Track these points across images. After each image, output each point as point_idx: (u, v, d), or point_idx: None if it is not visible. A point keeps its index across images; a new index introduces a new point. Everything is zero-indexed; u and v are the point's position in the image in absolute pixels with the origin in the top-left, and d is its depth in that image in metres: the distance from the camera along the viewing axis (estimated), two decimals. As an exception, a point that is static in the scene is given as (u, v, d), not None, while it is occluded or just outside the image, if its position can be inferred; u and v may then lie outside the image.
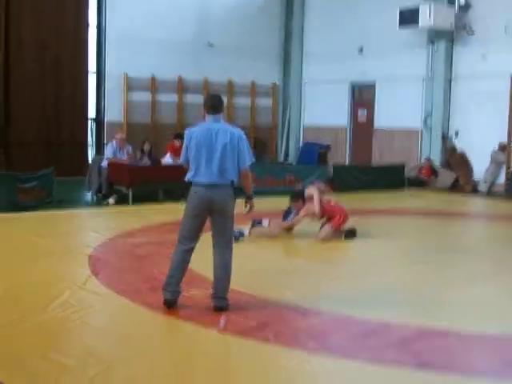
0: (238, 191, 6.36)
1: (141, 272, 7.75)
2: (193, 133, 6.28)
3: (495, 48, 17.09)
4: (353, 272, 8.13)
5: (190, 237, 6.32)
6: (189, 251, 6.37)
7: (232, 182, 6.21)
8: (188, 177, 6.28)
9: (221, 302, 6.28)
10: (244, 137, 6.29)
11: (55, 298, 6.50)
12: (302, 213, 10.00)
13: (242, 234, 9.67)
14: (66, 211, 12.19)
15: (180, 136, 14.44)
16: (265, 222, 10.07)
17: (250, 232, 9.88)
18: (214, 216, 6.24)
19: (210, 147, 6.15)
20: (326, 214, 10.04)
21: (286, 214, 10.40)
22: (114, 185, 13.70)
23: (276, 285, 7.35)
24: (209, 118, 6.32)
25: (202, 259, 6.93)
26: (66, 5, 17.82)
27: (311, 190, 10.19)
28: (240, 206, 6.47)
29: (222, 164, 6.15)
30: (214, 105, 6.31)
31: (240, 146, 6.20)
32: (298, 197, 10.23)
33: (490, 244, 10.30)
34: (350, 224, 10.28)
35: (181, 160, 6.45)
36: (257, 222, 10.00)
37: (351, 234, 10.16)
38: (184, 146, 6.35)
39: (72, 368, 4.82)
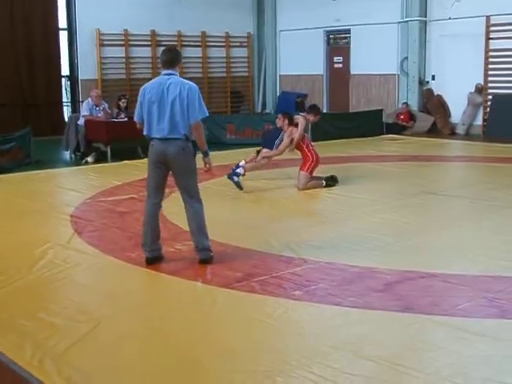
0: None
1: (123, 229, 7.76)
2: (146, 89, 6.27)
3: (469, -11, 16.99)
4: (334, 218, 8.19)
5: (155, 191, 6.37)
6: (155, 205, 6.40)
7: (185, 135, 6.15)
8: (145, 132, 6.30)
9: (204, 254, 6.35)
10: (195, 90, 6.17)
11: (40, 258, 6.52)
12: (285, 139, 10.05)
13: (237, 175, 9.85)
14: (44, 171, 12.10)
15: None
16: (241, 169, 10.04)
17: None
18: (173, 171, 6.26)
19: (161, 101, 6.12)
20: (302, 152, 10.12)
21: (269, 137, 10.54)
22: (91, 142, 13.61)
23: (260, 235, 7.40)
24: (163, 72, 6.30)
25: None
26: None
27: (299, 119, 10.23)
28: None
29: (173, 118, 6.10)
30: (166, 59, 6.27)
31: (189, 99, 6.09)
32: (287, 116, 10.24)
33: (469, 186, 10.39)
34: (330, 172, 10.33)
35: (134, 118, 6.40)
36: (233, 170, 10.01)
37: (332, 180, 10.21)
38: (138, 102, 6.31)
39: (62, 327, 4.85)
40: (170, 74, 6.22)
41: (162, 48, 6.69)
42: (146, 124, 6.24)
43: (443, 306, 5.18)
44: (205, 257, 6.35)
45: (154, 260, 6.35)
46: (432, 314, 5.00)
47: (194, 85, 6.25)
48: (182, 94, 6.09)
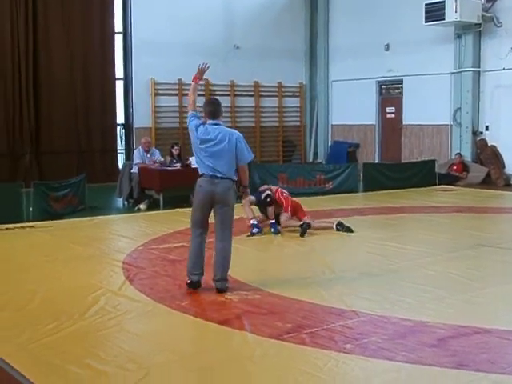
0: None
1: (174, 277, 7.78)
2: (199, 128, 7.09)
3: (524, 39, 16.90)
4: (386, 270, 8.07)
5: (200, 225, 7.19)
6: (201, 238, 7.18)
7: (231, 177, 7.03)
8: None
9: (221, 284, 7.00)
10: (241, 138, 7.09)
11: (91, 305, 6.56)
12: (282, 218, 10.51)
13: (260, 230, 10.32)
14: (97, 218, 12.28)
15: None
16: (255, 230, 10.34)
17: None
18: (215, 206, 7.06)
19: (214, 146, 6.97)
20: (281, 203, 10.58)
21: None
22: (144, 190, 13.78)
23: (311, 285, 7.33)
24: (210, 121, 7.10)
25: (243, 264, 7.02)
26: (91, 13, 18.04)
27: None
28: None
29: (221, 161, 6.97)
30: (212, 110, 7.14)
31: (238, 145, 6.98)
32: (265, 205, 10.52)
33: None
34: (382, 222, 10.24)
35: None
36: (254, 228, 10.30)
37: (346, 229, 10.39)
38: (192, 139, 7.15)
39: (111, 375, 4.85)
40: (217, 124, 7.07)
41: (216, 97, 7.34)
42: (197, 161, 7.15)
43: (500, 363, 5.02)
44: (222, 287, 7.00)
45: (194, 284, 7.10)
46: (488, 371, 4.85)
47: (239, 133, 7.16)
48: (232, 142, 6.97)
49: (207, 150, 6.97)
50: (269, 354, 5.28)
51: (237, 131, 7.26)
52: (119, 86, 19.03)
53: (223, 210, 7.00)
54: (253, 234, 10.18)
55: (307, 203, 13.88)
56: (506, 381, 4.70)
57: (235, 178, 7.13)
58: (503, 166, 17.70)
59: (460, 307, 6.58)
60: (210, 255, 7.37)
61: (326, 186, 15.76)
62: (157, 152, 14.33)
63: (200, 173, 7.07)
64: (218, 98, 20.09)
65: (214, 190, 6.93)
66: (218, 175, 6.94)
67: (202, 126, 7.08)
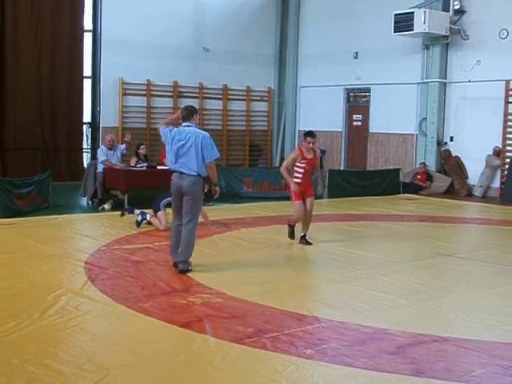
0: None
1: (137, 278, 7.76)
2: (172, 131, 8.18)
3: (490, 53, 17.17)
4: (348, 277, 8.14)
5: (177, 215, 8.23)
6: (179, 226, 8.13)
7: (197, 173, 7.98)
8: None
9: (182, 266, 7.98)
10: (208, 136, 8.08)
11: (52, 304, 6.53)
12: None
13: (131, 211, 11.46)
14: (61, 216, 12.19)
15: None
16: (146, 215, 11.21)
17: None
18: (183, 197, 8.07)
19: (183, 146, 8.00)
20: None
21: (157, 201, 11.16)
22: (109, 190, 13.71)
23: (273, 291, 7.36)
24: (184, 123, 8.18)
25: (205, 267, 7.02)
26: (61, 10, 17.87)
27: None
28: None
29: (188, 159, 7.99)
30: (185, 114, 8.19)
31: (203, 143, 7.97)
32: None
33: (486, 249, 10.31)
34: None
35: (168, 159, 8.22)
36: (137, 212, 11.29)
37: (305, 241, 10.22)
38: (166, 142, 8.19)
39: (70, 375, 4.81)
40: (189, 126, 8.12)
41: (184, 99, 8.13)
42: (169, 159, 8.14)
43: (457, 371, 5.10)
44: (183, 268, 7.97)
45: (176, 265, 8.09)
46: (445, 379, 4.92)
47: (206, 133, 8.17)
48: (197, 141, 7.97)
49: (178, 148, 7.97)
50: (229, 357, 5.29)
51: (204, 132, 8.21)
52: (87, 85, 18.88)
53: (189, 201, 7.95)
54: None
55: (271, 208, 13.98)
56: (462, 389, 4.78)
57: (204, 175, 8.06)
58: (466, 177, 17.95)
59: (419, 315, 6.67)
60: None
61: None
62: (120, 146, 14.23)
63: (172, 170, 8.10)
64: (185, 99, 20.29)
65: (182, 184, 7.95)
66: (185, 171, 7.95)
67: (175, 129, 8.14)
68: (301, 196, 9.94)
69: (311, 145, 9.90)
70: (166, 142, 8.17)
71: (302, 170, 9.93)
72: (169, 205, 10.72)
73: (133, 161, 14.35)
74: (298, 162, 9.93)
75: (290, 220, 10.26)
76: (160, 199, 11.10)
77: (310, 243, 10.04)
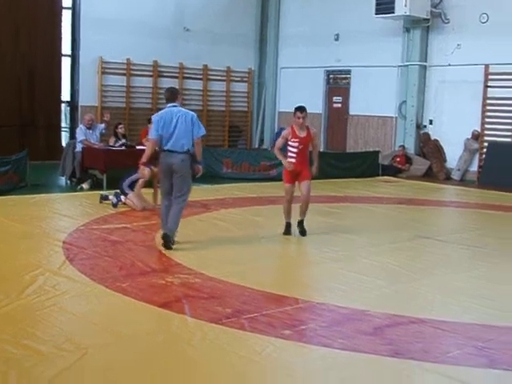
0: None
1: (115, 258, 7.73)
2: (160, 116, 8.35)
3: (470, 37, 17.19)
4: (327, 259, 8.16)
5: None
6: (168, 206, 8.33)
7: (188, 150, 8.24)
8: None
9: (169, 234, 8.18)
10: (196, 116, 8.39)
11: (30, 284, 6.48)
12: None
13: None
14: (39, 196, 12.10)
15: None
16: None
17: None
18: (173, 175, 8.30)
19: (175, 126, 8.21)
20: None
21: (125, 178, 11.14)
22: (88, 169, 13.62)
23: (252, 271, 7.37)
24: (169, 104, 8.42)
25: (184, 248, 6.98)
26: (40, -13, 17.60)
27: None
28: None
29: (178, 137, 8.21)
30: (169, 96, 8.46)
31: (193, 121, 8.27)
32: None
33: (463, 232, 10.40)
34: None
35: (153, 136, 8.31)
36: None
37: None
38: (155, 124, 8.28)
39: (49, 355, 4.79)
40: (175, 106, 8.38)
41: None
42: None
43: (433, 352, 5.15)
44: (169, 234, 8.17)
45: (165, 235, 8.22)
46: (422, 360, 4.97)
47: (194, 113, 8.45)
48: (188, 119, 8.24)
49: (168, 127, 8.17)
50: (208, 338, 5.30)
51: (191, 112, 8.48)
52: (66, 63, 18.68)
53: (179, 178, 8.21)
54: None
55: (251, 189, 13.99)
56: (439, 369, 4.82)
57: (192, 152, 8.29)
58: (445, 160, 18.05)
59: (398, 297, 6.72)
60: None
61: (271, 172, 15.81)
62: (100, 126, 14.14)
63: (162, 148, 8.25)
64: (166, 79, 20.12)
65: (172, 162, 8.17)
66: (177, 149, 8.17)
67: (162, 116, 8.29)
68: (293, 179, 9.34)
69: (301, 120, 9.26)
70: (156, 125, 8.26)
71: (295, 150, 9.27)
72: (132, 184, 10.83)
73: (112, 140, 14.25)
74: (290, 141, 9.30)
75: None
76: (124, 180, 11.08)
77: (304, 233, 9.42)
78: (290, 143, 9.34)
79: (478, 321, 5.95)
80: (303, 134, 9.35)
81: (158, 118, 8.30)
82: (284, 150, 9.54)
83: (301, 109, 9.39)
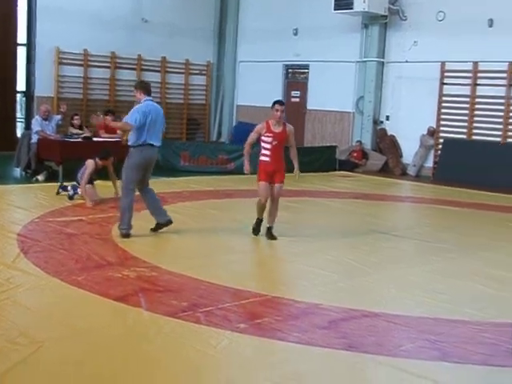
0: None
1: (71, 251, 7.67)
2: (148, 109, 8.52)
3: (427, 34, 17.39)
4: (283, 253, 8.22)
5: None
6: (141, 193, 8.83)
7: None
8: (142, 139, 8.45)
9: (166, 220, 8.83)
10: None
11: (-17, 277, 6.40)
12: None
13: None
14: (-7, 187, 11.94)
15: (111, 112, 14.26)
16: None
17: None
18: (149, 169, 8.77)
19: (155, 121, 8.53)
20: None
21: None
22: (43, 161, 13.45)
23: (209, 265, 7.38)
24: (147, 98, 8.59)
25: (140, 241, 6.94)
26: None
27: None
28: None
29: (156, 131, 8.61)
30: (148, 91, 8.67)
31: (163, 116, 8.77)
32: None
33: (418, 227, 10.55)
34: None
35: (135, 123, 8.34)
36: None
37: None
38: (141, 114, 8.35)
39: (2, 349, 4.75)
40: (151, 100, 8.67)
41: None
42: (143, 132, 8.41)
43: (387, 346, 5.23)
44: (166, 221, 8.82)
45: (129, 235, 8.42)
46: (375, 353, 5.04)
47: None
48: (161, 114, 8.69)
49: (155, 122, 8.47)
50: (163, 331, 5.30)
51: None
52: (21, 53, 18.40)
53: (151, 169, 8.72)
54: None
55: (208, 182, 13.99)
56: (392, 362, 4.89)
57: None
58: (400, 156, 18.26)
59: (352, 291, 6.80)
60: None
61: (228, 166, 15.83)
62: (56, 117, 13.98)
63: (140, 143, 8.37)
64: (123, 71, 19.94)
65: (154, 155, 8.60)
66: (157, 143, 8.55)
67: (147, 108, 8.43)
68: (268, 177, 8.91)
69: (279, 113, 8.86)
70: (139, 118, 8.35)
71: (268, 146, 8.89)
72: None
73: (69, 131, 14.10)
74: (264, 136, 8.88)
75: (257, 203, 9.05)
76: (78, 171, 11.06)
77: (275, 238, 8.85)
78: (263, 138, 8.94)
79: (430, 314, 6.06)
80: (278, 130, 8.97)
81: (147, 111, 8.45)
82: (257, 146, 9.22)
83: (280, 102, 9.16)
